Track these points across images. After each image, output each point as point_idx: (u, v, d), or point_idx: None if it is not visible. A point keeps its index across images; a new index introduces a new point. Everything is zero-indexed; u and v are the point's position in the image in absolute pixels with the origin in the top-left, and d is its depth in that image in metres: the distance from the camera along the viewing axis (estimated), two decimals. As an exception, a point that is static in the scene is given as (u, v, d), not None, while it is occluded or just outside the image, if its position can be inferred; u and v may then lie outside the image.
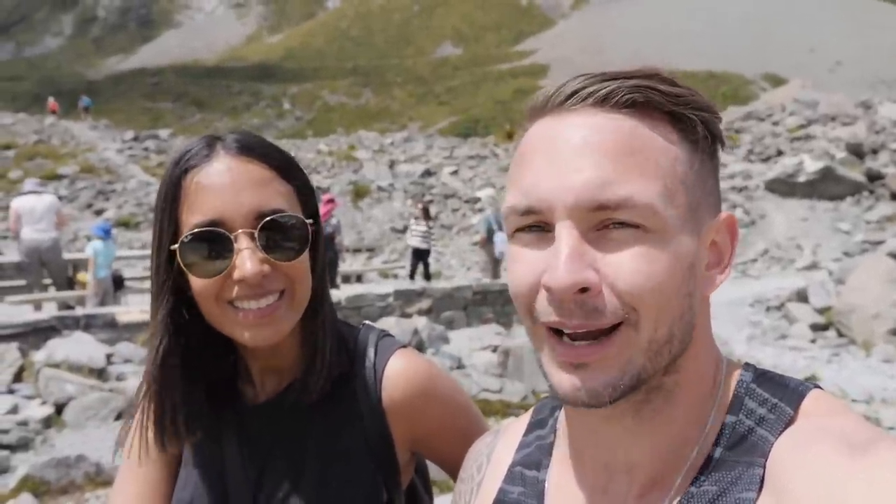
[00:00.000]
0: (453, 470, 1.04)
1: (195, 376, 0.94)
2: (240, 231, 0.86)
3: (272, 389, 1.00)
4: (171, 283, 0.90)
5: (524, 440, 0.80)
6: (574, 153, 0.60)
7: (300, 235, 0.91)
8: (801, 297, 10.79)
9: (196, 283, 0.88)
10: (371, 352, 1.01)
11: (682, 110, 0.62)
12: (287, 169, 0.93)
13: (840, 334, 9.37)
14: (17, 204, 8.75)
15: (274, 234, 0.88)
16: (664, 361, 0.61)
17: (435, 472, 1.16)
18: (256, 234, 0.87)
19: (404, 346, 1.04)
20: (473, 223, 22.14)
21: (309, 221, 0.92)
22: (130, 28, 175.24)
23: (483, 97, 75.49)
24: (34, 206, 8.75)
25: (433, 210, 23.12)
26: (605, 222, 0.59)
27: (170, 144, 30.84)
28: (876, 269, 9.73)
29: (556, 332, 0.60)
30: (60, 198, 21.42)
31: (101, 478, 4.12)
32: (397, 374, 0.99)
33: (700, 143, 0.63)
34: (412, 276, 12.78)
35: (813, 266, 15.39)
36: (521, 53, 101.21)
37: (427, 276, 12.75)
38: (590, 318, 0.58)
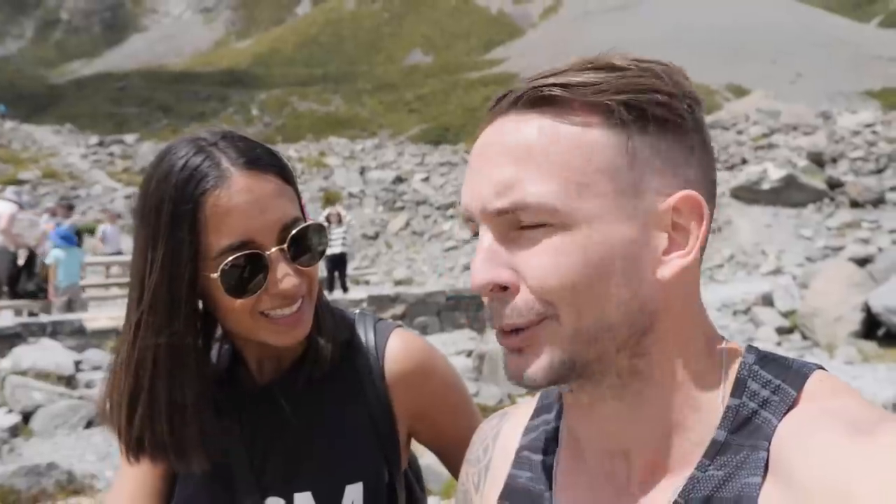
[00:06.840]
0: (446, 449, 1.08)
1: (207, 379, 0.95)
2: (273, 249, 0.89)
3: (271, 374, 1.02)
4: (193, 305, 0.90)
5: (531, 424, 0.80)
6: (481, 160, 0.64)
7: (320, 239, 0.95)
8: (767, 301, 11.02)
9: (231, 301, 0.89)
10: (370, 332, 1.06)
11: (595, 99, 0.60)
12: (285, 170, 0.96)
13: (804, 337, 9.59)
14: None
15: (299, 244, 0.92)
16: (608, 347, 0.61)
17: (430, 482, 1.18)
18: (286, 248, 0.90)
19: (400, 326, 1.09)
20: (445, 230, 22.15)
21: (323, 222, 0.97)
22: (95, 31, 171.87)
23: (453, 105, 75.60)
24: None
25: (405, 217, 23.14)
26: (516, 223, 0.61)
27: (136, 150, 30.22)
28: (837, 274, 10.01)
29: None
30: (21, 205, 20.87)
31: (72, 486, 4.03)
32: (399, 350, 1.04)
33: (630, 126, 0.61)
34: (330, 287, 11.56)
35: (777, 271, 15.72)
36: (491, 62, 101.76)
37: (344, 287, 11.67)
38: (511, 318, 0.62)
